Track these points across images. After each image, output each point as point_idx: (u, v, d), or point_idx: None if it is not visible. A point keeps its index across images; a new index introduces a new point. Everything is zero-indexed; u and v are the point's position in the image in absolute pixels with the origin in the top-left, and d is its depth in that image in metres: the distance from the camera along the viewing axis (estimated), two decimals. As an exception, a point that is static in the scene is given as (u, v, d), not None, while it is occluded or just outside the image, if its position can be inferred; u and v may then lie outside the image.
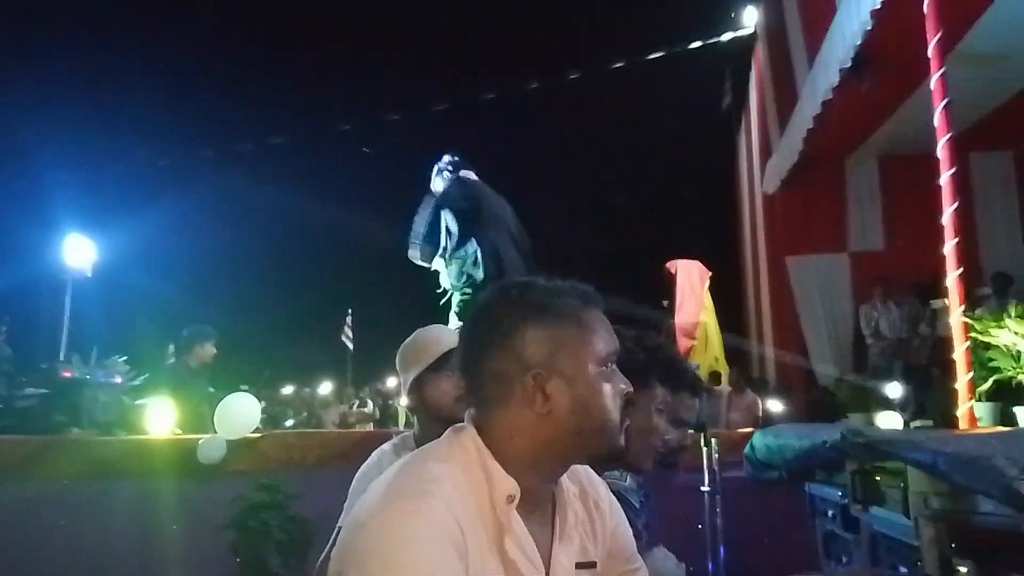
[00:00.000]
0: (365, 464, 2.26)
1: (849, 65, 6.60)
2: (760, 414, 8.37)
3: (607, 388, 1.21)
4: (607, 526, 1.37)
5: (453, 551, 1.07)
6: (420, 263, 5.60)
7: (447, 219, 5.46)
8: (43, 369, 5.16)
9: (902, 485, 1.85)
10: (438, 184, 5.58)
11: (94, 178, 11.81)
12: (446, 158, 5.61)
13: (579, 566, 1.28)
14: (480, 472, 1.18)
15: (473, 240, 5.34)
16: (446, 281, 5.48)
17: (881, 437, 1.94)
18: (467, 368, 1.26)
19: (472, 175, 5.59)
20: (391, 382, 12.01)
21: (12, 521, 3.95)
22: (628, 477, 2.04)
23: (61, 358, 6.56)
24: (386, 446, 2.27)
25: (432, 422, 2.14)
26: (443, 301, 5.47)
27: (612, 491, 1.46)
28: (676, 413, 2.12)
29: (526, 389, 1.18)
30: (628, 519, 1.46)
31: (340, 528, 2.15)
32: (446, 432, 1.27)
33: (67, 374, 4.88)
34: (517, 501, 1.17)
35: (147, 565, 4.01)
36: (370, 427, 10.61)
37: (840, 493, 2.27)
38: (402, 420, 9.20)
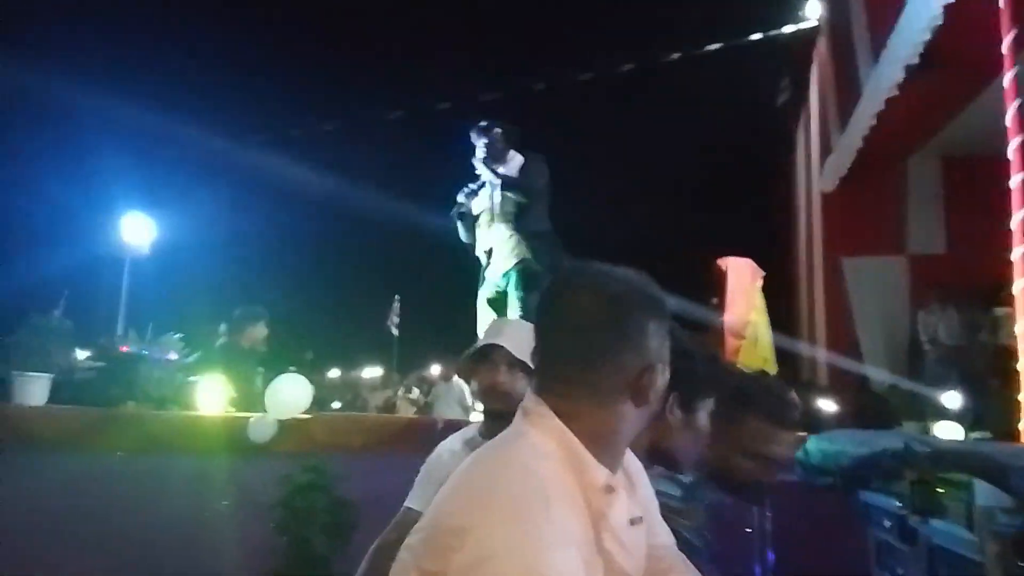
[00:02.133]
0: (433, 456, 2.22)
1: (916, 62, 6.39)
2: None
3: None
4: (641, 495, 1.37)
5: (577, 552, 1.07)
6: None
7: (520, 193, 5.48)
8: (101, 343, 5.29)
9: (966, 498, 1.78)
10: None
11: (153, 159, 12.08)
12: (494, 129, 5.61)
13: (632, 522, 1.27)
14: (571, 464, 1.17)
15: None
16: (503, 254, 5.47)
17: (948, 448, 1.88)
18: (566, 359, 1.22)
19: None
20: (435, 369, 12.07)
21: (66, 491, 4.04)
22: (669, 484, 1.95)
23: (119, 333, 6.71)
24: (455, 444, 2.21)
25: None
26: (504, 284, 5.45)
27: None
28: (757, 446, 1.95)
29: (640, 380, 1.19)
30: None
31: (406, 510, 2.12)
32: (520, 420, 1.23)
33: (124, 349, 5.00)
34: (615, 491, 1.18)
35: (195, 539, 4.06)
36: (412, 412, 10.67)
37: (898, 503, 2.20)
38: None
